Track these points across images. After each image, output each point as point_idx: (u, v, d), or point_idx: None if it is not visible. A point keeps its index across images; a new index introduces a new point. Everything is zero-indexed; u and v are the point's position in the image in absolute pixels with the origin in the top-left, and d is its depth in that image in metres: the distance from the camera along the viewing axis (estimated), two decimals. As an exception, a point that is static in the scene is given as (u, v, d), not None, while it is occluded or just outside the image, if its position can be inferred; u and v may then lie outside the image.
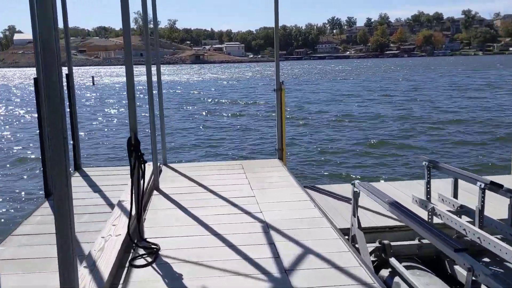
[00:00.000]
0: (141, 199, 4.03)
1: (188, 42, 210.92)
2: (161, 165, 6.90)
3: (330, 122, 18.66)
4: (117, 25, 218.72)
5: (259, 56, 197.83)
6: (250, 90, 39.02)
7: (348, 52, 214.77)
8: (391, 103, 25.91)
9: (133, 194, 3.96)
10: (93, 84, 56.30)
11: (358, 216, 4.41)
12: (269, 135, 15.47)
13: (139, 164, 3.97)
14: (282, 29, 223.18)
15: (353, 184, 4.45)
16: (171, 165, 7.12)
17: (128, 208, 4.04)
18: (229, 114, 22.50)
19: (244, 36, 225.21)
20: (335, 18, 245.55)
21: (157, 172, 5.85)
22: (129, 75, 3.92)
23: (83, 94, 41.77)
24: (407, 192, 5.91)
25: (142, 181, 4.02)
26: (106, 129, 18.83)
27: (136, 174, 3.94)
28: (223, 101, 29.83)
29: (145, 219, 4.61)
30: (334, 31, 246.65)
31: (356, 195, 4.41)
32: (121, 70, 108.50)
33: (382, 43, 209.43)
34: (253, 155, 12.61)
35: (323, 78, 57.31)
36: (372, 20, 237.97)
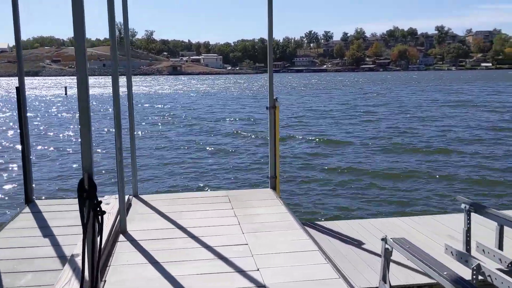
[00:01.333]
0: (97, 262, 2.91)
1: (165, 53, 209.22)
2: (130, 198, 5.75)
3: (317, 141, 17.10)
4: (93, 35, 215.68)
5: (237, 68, 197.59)
6: (234, 104, 37.04)
7: (325, 66, 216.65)
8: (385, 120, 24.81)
9: (86, 255, 2.85)
10: (66, 94, 54.53)
11: (389, 281, 3.37)
12: (259, 158, 13.59)
13: (95, 216, 2.85)
14: (260, 42, 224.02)
15: (384, 240, 3.39)
16: (143, 196, 5.96)
17: (81, 267, 2.94)
18: (212, 134, 19.89)
19: (222, 48, 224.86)
20: (312, 32, 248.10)
21: (124, 211, 4.69)
22: (83, 95, 2.80)
23: (54, 104, 40.08)
24: (427, 229, 4.92)
25: (99, 237, 2.91)
26: (73, 145, 17.31)
27: (91, 230, 2.83)
28: (205, 116, 27.38)
29: (104, 281, 3.47)
30: (311, 45, 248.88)
31: (387, 254, 3.36)
32: (96, 80, 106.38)
33: (358, 57, 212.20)
34: (241, 183, 10.88)
35: (303, 91, 56.74)
36: (348, 35, 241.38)
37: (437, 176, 11.02)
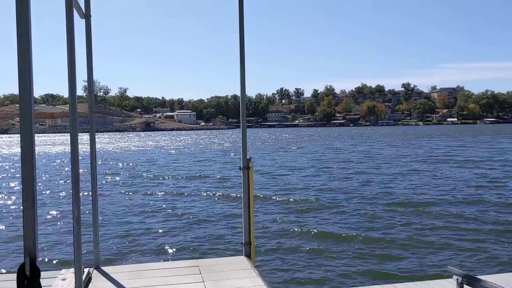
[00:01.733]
0: None
1: (138, 110, 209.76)
2: (91, 271, 5.20)
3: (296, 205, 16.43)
4: (65, 92, 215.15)
5: (210, 123, 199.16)
6: (205, 161, 36.04)
7: (297, 121, 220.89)
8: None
9: None
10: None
11: None
12: (232, 222, 12.73)
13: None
14: (233, 98, 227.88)
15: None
16: (105, 268, 5.42)
17: None
18: (180, 194, 18.59)
19: (196, 105, 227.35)
20: (284, 89, 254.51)
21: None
22: (26, 169, 2.44)
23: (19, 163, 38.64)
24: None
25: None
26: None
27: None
28: (173, 174, 26.18)
29: None
30: (283, 101, 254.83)
31: None
32: (66, 137, 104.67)
33: (328, 112, 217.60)
34: (212, 250, 10.03)
35: (273, 146, 57.00)
36: (319, 91, 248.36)
37: (416, 239, 10.67)
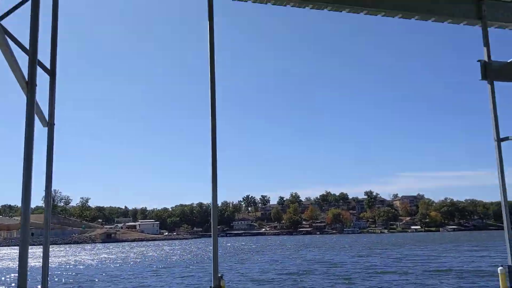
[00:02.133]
0: None
1: (100, 220, 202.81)
2: None
3: None
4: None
5: (174, 233, 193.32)
6: (166, 277, 33.84)
7: (263, 229, 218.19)
8: None
9: None
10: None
11: None
12: None
13: None
14: (198, 206, 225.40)
15: None
16: None
17: None
18: None
19: (160, 214, 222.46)
20: (250, 197, 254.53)
21: None
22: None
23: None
24: None
25: None
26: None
27: None
28: None
29: None
30: (249, 208, 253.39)
31: None
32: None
33: (295, 220, 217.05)
34: None
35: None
36: (285, 199, 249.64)
37: None
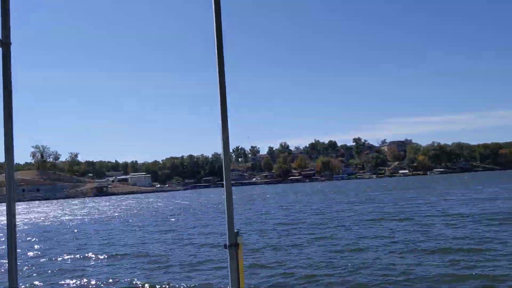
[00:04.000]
0: None
1: (90, 174, 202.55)
2: None
3: None
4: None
5: (166, 185, 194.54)
6: (167, 232, 28.41)
7: (254, 179, 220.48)
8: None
9: None
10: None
11: None
12: None
13: None
14: (189, 158, 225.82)
15: None
16: None
17: None
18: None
19: (150, 167, 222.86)
20: (240, 148, 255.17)
21: None
22: None
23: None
24: None
25: None
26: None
27: None
28: (127, 252, 20.61)
29: None
30: (240, 159, 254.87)
31: None
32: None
33: (285, 169, 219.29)
34: None
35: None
36: (274, 149, 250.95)
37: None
